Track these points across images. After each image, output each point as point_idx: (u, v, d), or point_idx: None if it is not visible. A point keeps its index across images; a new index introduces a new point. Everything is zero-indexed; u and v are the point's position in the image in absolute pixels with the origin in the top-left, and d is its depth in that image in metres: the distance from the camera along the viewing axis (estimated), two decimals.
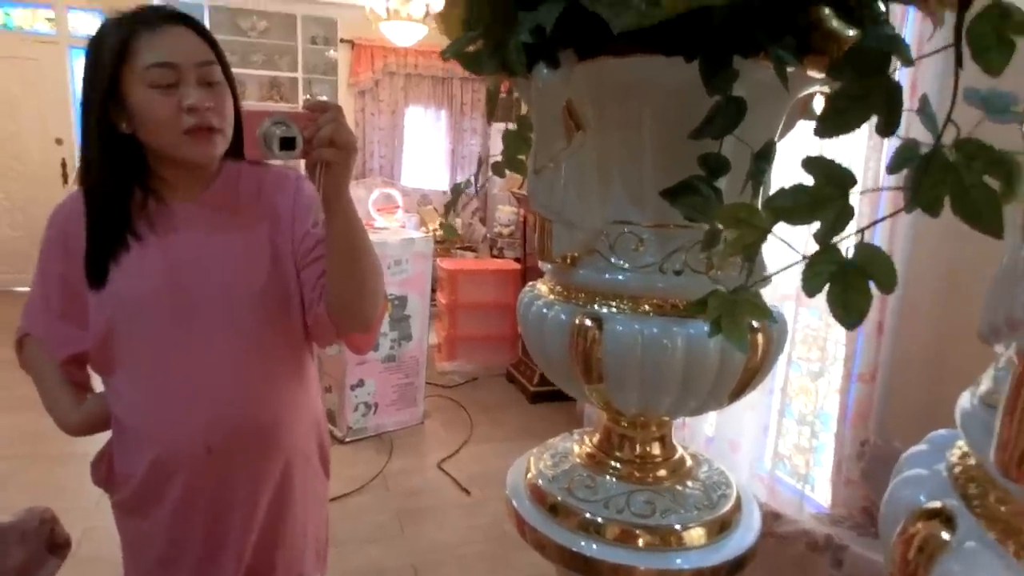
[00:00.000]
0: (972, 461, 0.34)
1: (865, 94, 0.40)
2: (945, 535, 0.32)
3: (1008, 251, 0.39)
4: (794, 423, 2.20)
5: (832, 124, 0.40)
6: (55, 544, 1.19)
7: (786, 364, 2.13)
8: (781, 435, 2.20)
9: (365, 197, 4.86)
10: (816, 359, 2.06)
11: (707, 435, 2.48)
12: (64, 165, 5.58)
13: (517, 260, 4.52)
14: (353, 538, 2.35)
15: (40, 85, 5.43)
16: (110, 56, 0.93)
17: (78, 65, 5.54)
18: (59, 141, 5.55)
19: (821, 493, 2.09)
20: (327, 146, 0.84)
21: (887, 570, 0.36)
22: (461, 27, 0.75)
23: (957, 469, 0.35)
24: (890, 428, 1.77)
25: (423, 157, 6.93)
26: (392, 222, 3.77)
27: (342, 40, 6.28)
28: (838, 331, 1.99)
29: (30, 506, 1.17)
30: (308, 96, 6.20)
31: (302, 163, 0.90)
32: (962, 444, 0.36)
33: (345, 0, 5.61)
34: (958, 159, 0.41)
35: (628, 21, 0.45)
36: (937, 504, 0.34)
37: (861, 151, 1.74)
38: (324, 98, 6.08)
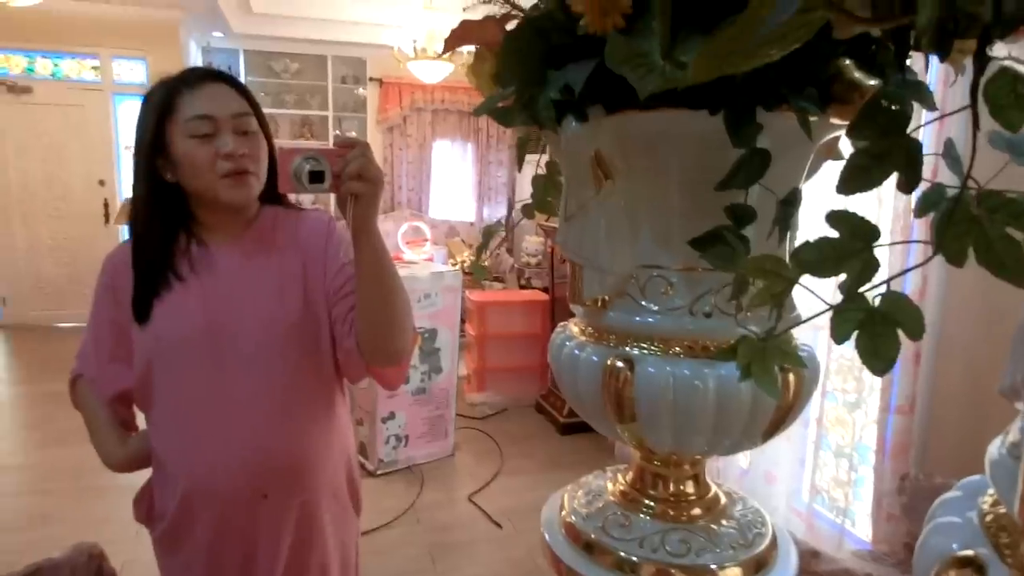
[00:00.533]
0: (1003, 509, 0.34)
1: (885, 153, 0.42)
2: None
3: None
4: (831, 455, 2.15)
5: (853, 182, 0.42)
6: None
7: (821, 395, 2.10)
8: (818, 468, 2.16)
9: (394, 230, 4.95)
10: (852, 390, 2.03)
11: (742, 467, 2.44)
12: (107, 205, 5.80)
13: (545, 290, 4.55)
14: (384, 572, 2.36)
15: (85, 130, 5.69)
16: (155, 112, 1.02)
17: (121, 110, 5.81)
18: (102, 183, 5.78)
19: (862, 528, 2.04)
20: (356, 180, 0.89)
21: None
22: (491, 81, 0.79)
23: (989, 517, 0.36)
24: (931, 461, 1.73)
25: (450, 190, 7.05)
26: (420, 254, 3.84)
27: (371, 79, 6.48)
28: None
29: (79, 541, 1.21)
30: (338, 133, 6.37)
31: (332, 198, 0.95)
32: (993, 492, 0.37)
33: (373, 41, 5.79)
34: (981, 212, 0.42)
35: (654, 86, 0.48)
36: (970, 553, 0.34)
37: (889, 188, 1.73)
38: (353, 134, 6.25)
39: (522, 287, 5.63)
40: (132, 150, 1.06)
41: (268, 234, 1.11)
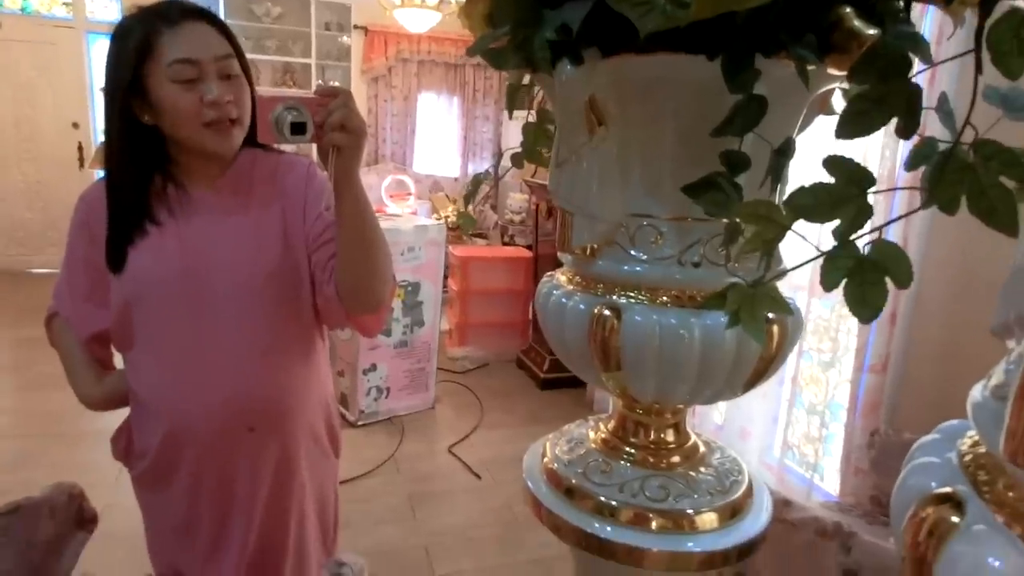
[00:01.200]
0: (982, 449, 0.35)
1: (885, 97, 0.41)
2: (955, 518, 0.34)
3: (1021, 250, 0.40)
4: (804, 413, 2.21)
5: (853, 126, 0.42)
6: (83, 519, 1.23)
7: (797, 354, 2.15)
8: (791, 424, 2.22)
9: (377, 183, 4.88)
10: (827, 350, 2.07)
11: (716, 423, 2.50)
12: (80, 149, 5.63)
13: (528, 247, 4.54)
14: (365, 520, 2.40)
15: (57, 69, 5.47)
16: (133, 52, 0.96)
17: (95, 50, 5.58)
18: (75, 125, 5.59)
19: (830, 482, 2.11)
20: (338, 131, 0.87)
21: (898, 553, 0.38)
22: (484, 22, 0.77)
23: (967, 457, 0.37)
24: (901, 418, 1.78)
25: (435, 144, 6.93)
26: (404, 208, 3.79)
27: (356, 26, 6.28)
28: (850, 322, 2.00)
29: (58, 481, 1.21)
30: (321, 82, 6.20)
31: (314, 148, 0.93)
32: (972, 434, 0.38)
33: None
34: (975, 160, 0.42)
35: (655, 24, 0.47)
36: (948, 489, 0.36)
37: (876, 145, 1.74)
38: (336, 84, 6.09)
39: (505, 244, 5.61)
40: (105, 88, 1.01)
41: (247, 177, 1.08)
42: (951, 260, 1.65)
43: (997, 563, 0.32)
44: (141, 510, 1.16)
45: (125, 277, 1.03)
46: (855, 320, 1.93)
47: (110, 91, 1.00)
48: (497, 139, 7.02)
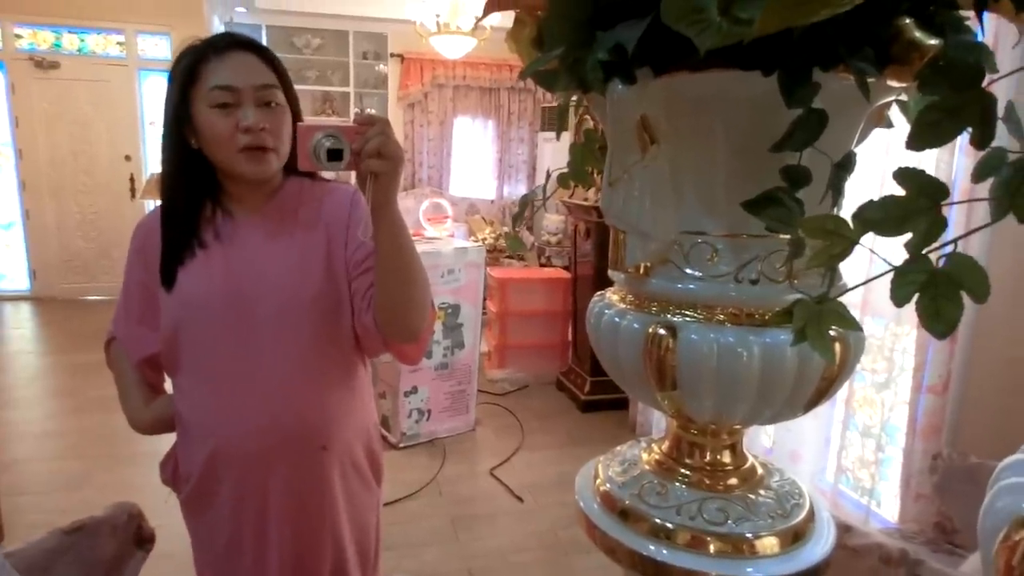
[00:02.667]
0: None
1: (959, 107, 0.40)
2: None
3: None
4: (858, 435, 2.14)
5: (925, 137, 0.41)
6: (142, 538, 1.26)
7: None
8: (844, 448, 2.15)
9: (415, 207, 4.96)
10: (882, 370, 2.00)
11: (765, 446, 2.43)
12: (132, 180, 5.87)
13: (565, 268, 4.53)
14: (408, 542, 2.40)
15: (110, 105, 5.75)
16: (181, 78, 1.02)
17: (146, 86, 5.85)
18: (128, 158, 5.85)
19: (887, 508, 2.03)
20: (375, 157, 0.89)
21: None
22: (531, 46, 0.78)
23: None
24: (963, 441, 1.71)
25: (471, 167, 7.03)
26: (442, 231, 3.84)
27: (392, 55, 6.45)
28: (905, 341, 1.93)
29: (119, 501, 1.24)
30: (359, 109, 6.36)
31: (353, 175, 0.95)
32: None
33: (395, 16, 5.75)
34: None
35: (713, 41, 0.47)
36: None
37: (930, 159, 1.70)
38: (373, 111, 6.24)
39: (542, 265, 5.62)
40: (162, 120, 1.06)
41: (292, 206, 1.11)
42: (1012, 274, 1.59)
43: None
44: (189, 534, 1.18)
45: (173, 300, 1.06)
46: (911, 339, 1.87)
47: (165, 116, 1.05)
48: (532, 161, 7.07)
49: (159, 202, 1.12)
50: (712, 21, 0.52)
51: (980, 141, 0.41)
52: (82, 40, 5.70)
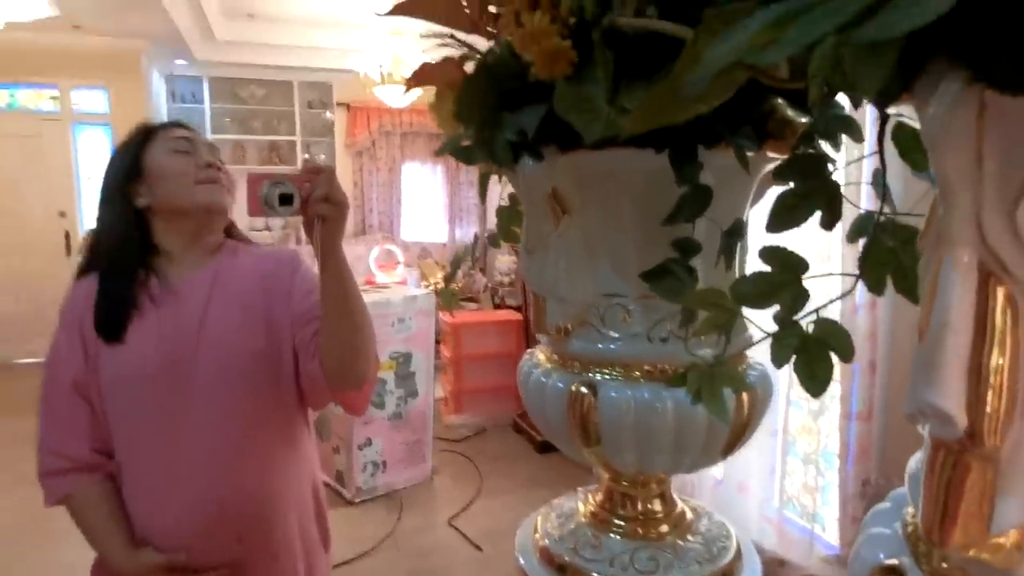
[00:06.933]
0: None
1: (808, 193, 0.45)
2: None
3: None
4: (800, 463, 2.20)
5: (782, 220, 0.46)
6: None
7: (786, 404, 2.16)
8: (787, 475, 2.21)
9: (365, 254, 4.93)
10: (816, 399, 2.08)
11: (716, 478, 2.48)
12: (68, 236, 5.68)
13: (518, 308, 4.57)
14: None
15: (43, 160, 5.57)
16: (135, 142, 1.09)
17: (82, 140, 5.71)
18: (63, 214, 5.66)
19: (831, 532, 2.09)
20: (323, 202, 0.92)
21: None
22: (452, 119, 0.82)
23: (910, 528, 0.39)
24: (891, 466, 1.78)
25: (422, 211, 7.06)
26: (393, 277, 3.84)
27: (338, 103, 6.48)
28: (836, 369, 2.02)
29: None
30: (307, 155, 6.34)
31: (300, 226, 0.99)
32: None
33: (339, 66, 5.80)
34: (895, 243, 0.46)
35: (598, 133, 0.51)
36: (893, 562, 0.38)
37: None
38: (322, 157, 6.23)
39: (496, 306, 5.65)
40: (104, 177, 1.10)
41: (230, 267, 1.12)
42: None
43: None
44: None
45: (105, 369, 1.03)
46: (837, 368, 1.95)
47: (108, 180, 1.09)
48: (482, 208, 7.16)
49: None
50: (600, 110, 0.57)
51: (828, 223, 0.46)
52: (12, 96, 5.56)
